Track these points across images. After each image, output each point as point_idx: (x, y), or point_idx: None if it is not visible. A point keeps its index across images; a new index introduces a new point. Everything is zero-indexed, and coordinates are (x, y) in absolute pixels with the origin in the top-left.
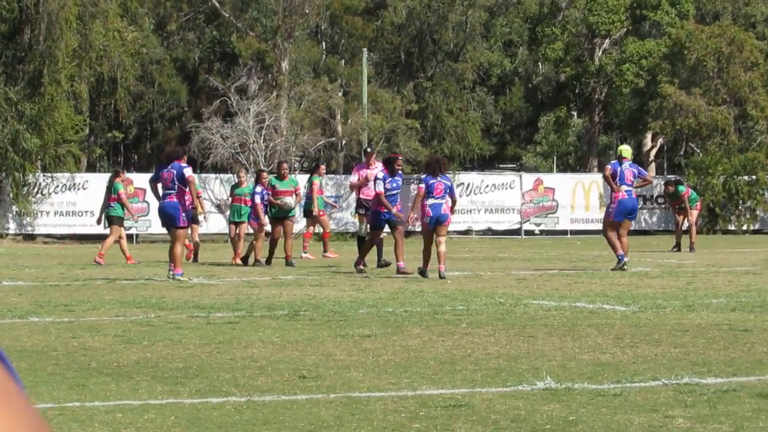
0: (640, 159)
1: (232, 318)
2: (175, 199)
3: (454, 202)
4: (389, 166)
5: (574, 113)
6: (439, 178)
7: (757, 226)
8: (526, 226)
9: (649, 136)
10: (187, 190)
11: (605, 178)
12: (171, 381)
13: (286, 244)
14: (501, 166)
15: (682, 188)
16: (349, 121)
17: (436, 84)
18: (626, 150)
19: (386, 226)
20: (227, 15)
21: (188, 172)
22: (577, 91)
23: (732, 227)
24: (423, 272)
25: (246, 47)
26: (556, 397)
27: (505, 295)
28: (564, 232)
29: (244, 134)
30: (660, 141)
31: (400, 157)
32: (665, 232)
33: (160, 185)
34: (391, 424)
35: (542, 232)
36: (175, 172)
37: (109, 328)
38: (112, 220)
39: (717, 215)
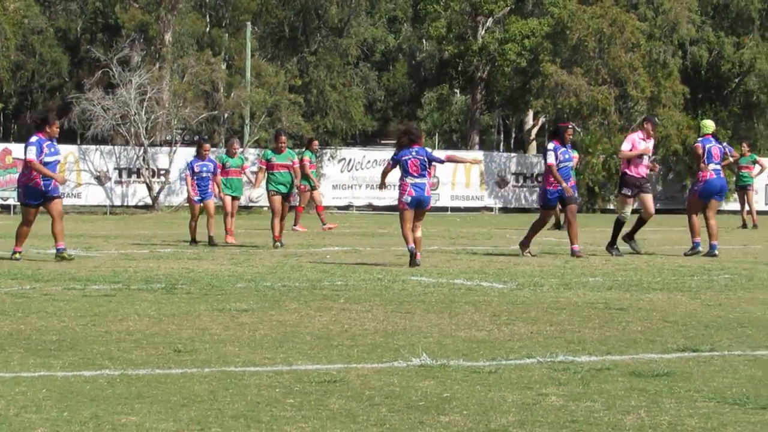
0: (521, 137)
1: (108, 291)
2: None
3: (443, 161)
4: (560, 135)
5: (457, 91)
6: (413, 153)
7: (635, 206)
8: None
9: (530, 114)
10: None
11: (696, 156)
12: (44, 353)
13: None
14: (383, 142)
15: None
16: (232, 94)
17: (320, 59)
18: (709, 125)
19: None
20: None
21: (29, 152)
22: (459, 68)
23: (611, 206)
24: (413, 256)
25: (129, 19)
26: (431, 373)
27: (383, 271)
28: (444, 209)
29: (125, 106)
30: (541, 120)
31: (570, 126)
32: None
33: None
34: (266, 398)
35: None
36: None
37: None
38: None
39: (596, 194)
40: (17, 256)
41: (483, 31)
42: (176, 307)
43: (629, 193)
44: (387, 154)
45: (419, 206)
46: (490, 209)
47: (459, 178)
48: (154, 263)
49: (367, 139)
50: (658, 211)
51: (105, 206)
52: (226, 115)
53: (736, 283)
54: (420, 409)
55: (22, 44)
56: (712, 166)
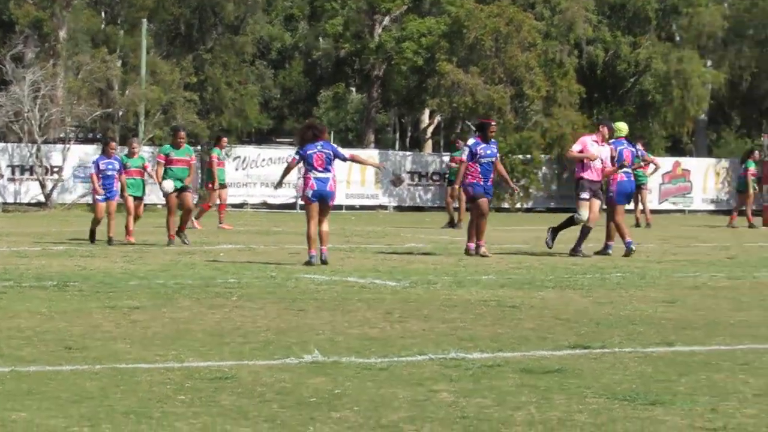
0: (416, 136)
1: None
2: None
3: (347, 159)
4: (483, 131)
5: (353, 89)
6: (318, 147)
7: (530, 205)
8: (301, 201)
9: (426, 113)
10: None
11: (610, 159)
12: None
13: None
14: (279, 140)
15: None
16: (127, 92)
17: (216, 57)
18: (623, 128)
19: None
20: None
21: None
22: (356, 67)
23: (506, 205)
24: (310, 260)
25: (23, 15)
26: (322, 370)
27: (276, 269)
28: (339, 207)
29: (18, 103)
30: (437, 118)
31: (493, 123)
32: (439, 209)
33: None
34: (157, 395)
35: None
36: None
37: None
38: None
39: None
40: None
41: (380, 30)
42: (68, 305)
43: (587, 197)
44: (282, 152)
45: (322, 200)
46: (385, 207)
47: (354, 176)
48: (47, 261)
49: (262, 138)
50: (551, 210)
51: None
52: (120, 113)
53: (628, 281)
54: (311, 405)
55: None
56: (624, 170)
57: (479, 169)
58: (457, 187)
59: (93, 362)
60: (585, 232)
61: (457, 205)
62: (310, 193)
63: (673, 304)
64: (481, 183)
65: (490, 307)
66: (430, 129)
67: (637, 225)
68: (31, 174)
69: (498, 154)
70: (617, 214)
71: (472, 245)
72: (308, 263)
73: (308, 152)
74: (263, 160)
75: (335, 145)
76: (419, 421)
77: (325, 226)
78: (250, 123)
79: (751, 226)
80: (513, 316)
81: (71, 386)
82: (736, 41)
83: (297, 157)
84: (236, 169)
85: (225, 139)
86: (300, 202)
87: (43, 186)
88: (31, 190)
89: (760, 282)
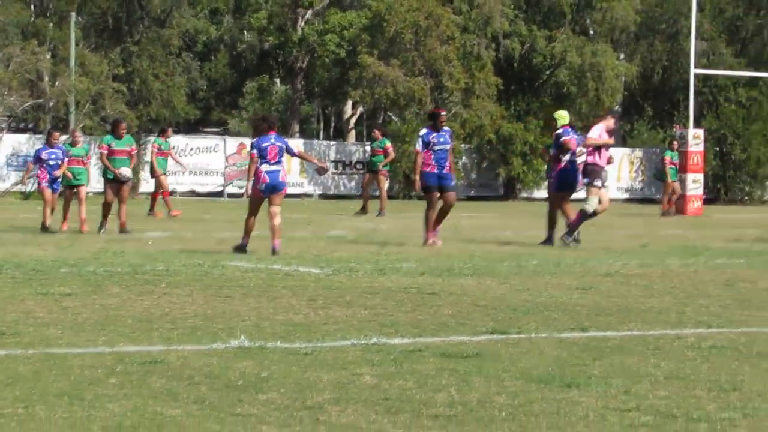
0: (340, 126)
1: None
2: None
3: (295, 154)
4: (433, 121)
5: (277, 81)
6: (272, 140)
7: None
8: (229, 189)
9: (349, 104)
10: None
11: (562, 148)
12: None
13: (120, 210)
14: (206, 130)
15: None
16: (57, 83)
17: (143, 49)
18: (565, 115)
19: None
20: None
21: None
22: (280, 59)
23: None
24: (242, 247)
25: None
26: (249, 355)
27: (204, 257)
28: None
29: None
30: (360, 109)
31: (443, 112)
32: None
33: None
34: (88, 378)
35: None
36: None
37: None
38: None
39: (413, 182)
40: None
41: (303, 23)
42: (0, 291)
43: (600, 185)
44: (209, 141)
45: (273, 191)
46: (310, 195)
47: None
48: None
49: (189, 127)
50: (471, 198)
51: None
52: (51, 104)
53: (544, 269)
54: (239, 387)
55: None
56: (567, 157)
57: (433, 157)
58: (373, 175)
59: (26, 347)
60: (584, 217)
61: (378, 194)
62: (263, 186)
63: (587, 291)
64: (435, 171)
65: (411, 294)
66: (353, 119)
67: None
68: None
69: (452, 142)
70: (557, 204)
71: (432, 236)
72: (239, 249)
73: (263, 145)
74: (191, 149)
75: (286, 139)
76: (343, 403)
77: (277, 220)
78: (178, 113)
79: (664, 214)
80: (432, 302)
81: (5, 370)
82: (647, 35)
83: (255, 151)
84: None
85: (170, 131)
86: (238, 191)
87: None
88: None
89: (671, 270)
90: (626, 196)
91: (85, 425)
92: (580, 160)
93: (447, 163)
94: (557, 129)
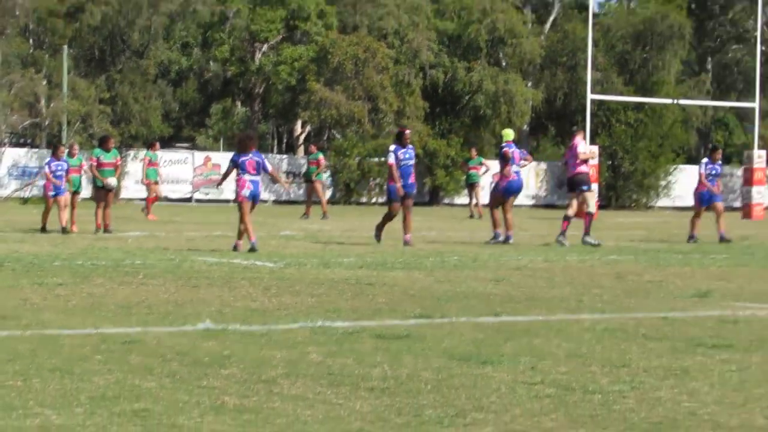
0: (291, 142)
1: None
2: None
3: (268, 171)
4: (400, 138)
5: (239, 103)
6: (250, 155)
7: (383, 199)
8: (197, 195)
9: (299, 123)
10: None
11: (506, 158)
12: None
13: (105, 214)
14: (177, 145)
15: (320, 154)
16: (52, 105)
17: (125, 76)
18: (510, 133)
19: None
20: None
21: None
22: (240, 85)
23: (364, 200)
24: (254, 245)
25: None
26: (213, 335)
27: (175, 252)
28: (226, 201)
29: None
30: (308, 128)
31: (407, 131)
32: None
33: None
34: (77, 355)
35: (210, 200)
36: None
37: None
38: None
39: (352, 189)
40: None
41: (260, 55)
42: (3, 281)
43: (588, 189)
44: (180, 155)
45: (254, 199)
46: (265, 201)
47: None
48: None
49: (163, 143)
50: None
51: None
52: (47, 122)
53: (463, 264)
54: (205, 364)
55: None
56: (514, 168)
57: (399, 171)
58: (310, 184)
59: (24, 329)
60: (591, 217)
61: (318, 199)
62: (247, 192)
63: (500, 282)
64: (403, 183)
65: (351, 285)
66: (302, 136)
67: (471, 216)
68: None
69: (414, 158)
70: (495, 204)
71: (381, 237)
72: (252, 249)
73: (242, 159)
74: (165, 161)
75: (263, 156)
76: (293, 377)
77: (248, 220)
78: (154, 131)
79: (471, 216)
80: (369, 291)
81: (6, 348)
82: (551, 66)
83: (232, 164)
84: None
85: (158, 144)
86: (204, 197)
87: None
88: None
89: (570, 265)
90: (533, 202)
91: (74, 395)
92: (531, 168)
93: (411, 176)
94: (502, 144)
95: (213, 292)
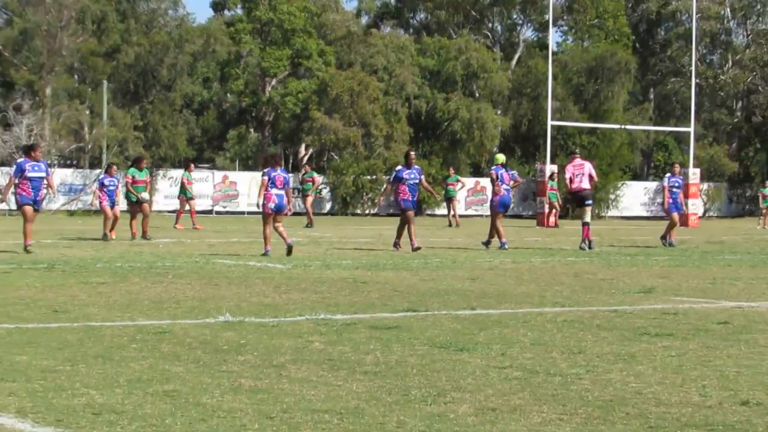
0: (296, 163)
1: (6, 269)
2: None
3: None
4: (406, 160)
5: (252, 129)
6: (279, 171)
7: (375, 211)
8: (216, 208)
9: (303, 146)
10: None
11: (491, 179)
12: None
13: (143, 223)
14: (199, 165)
15: (314, 173)
16: (93, 131)
17: (155, 107)
18: (501, 158)
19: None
20: (7, 55)
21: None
22: (253, 114)
23: (358, 211)
24: (266, 253)
25: (21, 77)
26: (232, 327)
27: (199, 256)
28: (242, 213)
29: (18, 139)
30: (311, 150)
31: (412, 152)
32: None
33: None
34: (117, 344)
35: (228, 212)
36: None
37: None
38: None
39: (348, 203)
40: (30, 249)
41: (269, 88)
42: (54, 281)
43: (591, 203)
44: (202, 174)
45: (279, 211)
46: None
47: (253, 190)
48: (39, 250)
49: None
50: (390, 215)
51: (5, 210)
52: (89, 146)
53: (444, 265)
54: (224, 351)
55: None
56: (504, 186)
57: (407, 188)
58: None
59: (72, 321)
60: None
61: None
62: (272, 206)
63: (475, 281)
64: (410, 198)
65: (348, 283)
66: (305, 158)
67: (450, 225)
68: None
69: (421, 176)
70: (498, 219)
71: (398, 243)
72: (265, 254)
73: (272, 174)
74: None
75: (288, 173)
76: (299, 362)
77: (282, 227)
78: (180, 153)
79: (449, 225)
80: (364, 289)
81: (57, 338)
82: (517, 97)
83: (266, 179)
84: (170, 186)
85: (192, 165)
86: (222, 209)
87: None
88: None
89: (534, 265)
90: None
91: (114, 378)
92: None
93: (417, 192)
94: (492, 167)
95: (231, 290)
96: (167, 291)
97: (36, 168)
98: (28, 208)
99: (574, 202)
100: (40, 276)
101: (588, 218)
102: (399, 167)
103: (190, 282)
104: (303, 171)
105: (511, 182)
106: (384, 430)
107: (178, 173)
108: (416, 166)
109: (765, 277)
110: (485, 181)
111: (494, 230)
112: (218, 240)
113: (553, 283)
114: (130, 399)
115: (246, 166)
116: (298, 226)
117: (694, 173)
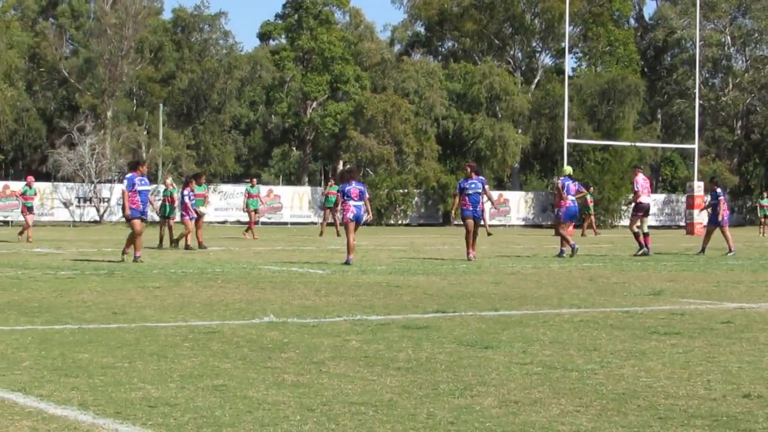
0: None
1: (70, 275)
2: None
3: (365, 198)
4: (467, 172)
5: (294, 148)
6: (353, 184)
7: (407, 221)
8: (262, 219)
9: (341, 163)
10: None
11: (557, 189)
12: (30, 314)
13: (197, 233)
14: (245, 180)
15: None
16: (150, 150)
17: (206, 127)
18: (568, 170)
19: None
20: (73, 81)
21: (123, 184)
22: (296, 134)
23: (392, 222)
24: (349, 261)
25: (84, 102)
26: (276, 327)
27: (246, 263)
28: (285, 223)
29: (82, 158)
30: (348, 166)
31: (471, 166)
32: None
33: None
34: (171, 342)
35: (272, 223)
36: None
37: None
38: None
39: (382, 214)
40: (141, 259)
41: (310, 110)
42: (114, 285)
43: (646, 214)
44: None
45: (357, 221)
46: (315, 223)
47: (296, 202)
48: (100, 257)
49: (236, 179)
50: (421, 225)
51: (69, 221)
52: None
53: (471, 270)
54: (269, 349)
55: (16, 118)
56: (570, 197)
57: (468, 199)
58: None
59: (130, 322)
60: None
61: (332, 221)
62: (351, 215)
63: (498, 284)
64: (470, 209)
65: (383, 287)
66: (330, 172)
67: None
68: (90, 203)
69: (484, 186)
70: (563, 228)
71: (471, 253)
72: (347, 263)
73: (347, 188)
74: (237, 193)
75: (363, 184)
76: (338, 359)
77: (352, 238)
78: (229, 169)
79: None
80: (397, 292)
81: (116, 337)
82: (537, 117)
83: (341, 193)
84: (220, 199)
85: (254, 180)
86: (267, 220)
87: (98, 210)
88: (90, 213)
89: (553, 270)
90: (523, 223)
91: (168, 374)
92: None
93: (480, 203)
94: (559, 178)
95: (275, 293)
96: (217, 294)
97: (143, 182)
98: (137, 222)
99: (638, 212)
100: (100, 281)
101: (647, 228)
102: (462, 179)
103: (238, 286)
104: (328, 185)
105: (577, 193)
106: (415, 421)
107: (227, 187)
108: (480, 177)
109: (765, 280)
110: (508, 194)
111: (562, 239)
112: (263, 248)
113: (570, 286)
114: (182, 393)
115: (289, 181)
116: (333, 235)
117: (698, 186)
